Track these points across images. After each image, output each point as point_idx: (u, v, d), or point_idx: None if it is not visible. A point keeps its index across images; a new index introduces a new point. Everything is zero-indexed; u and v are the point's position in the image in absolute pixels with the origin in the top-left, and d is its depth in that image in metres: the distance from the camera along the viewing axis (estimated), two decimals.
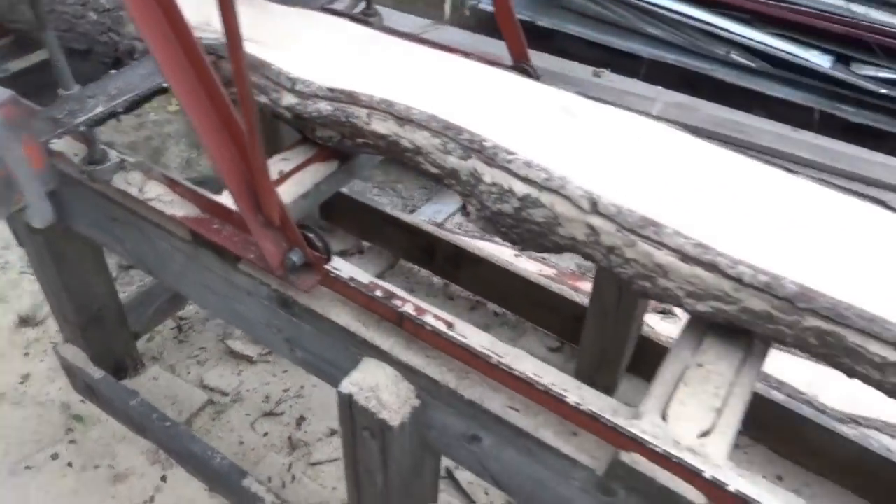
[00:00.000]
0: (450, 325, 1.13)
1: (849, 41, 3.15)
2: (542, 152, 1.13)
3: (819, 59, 3.18)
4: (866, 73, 3.12)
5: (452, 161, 1.19)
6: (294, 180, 1.40)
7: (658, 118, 1.30)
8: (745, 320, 0.99)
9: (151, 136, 3.42)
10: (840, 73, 3.15)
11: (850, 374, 0.96)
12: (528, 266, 2.48)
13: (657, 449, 0.94)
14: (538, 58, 3.53)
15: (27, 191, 1.29)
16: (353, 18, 1.61)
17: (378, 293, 1.18)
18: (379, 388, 1.17)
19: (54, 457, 1.97)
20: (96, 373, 1.94)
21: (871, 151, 2.84)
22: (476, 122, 1.19)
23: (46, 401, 2.12)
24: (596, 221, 1.05)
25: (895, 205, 2.83)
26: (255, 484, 1.70)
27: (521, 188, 1.11)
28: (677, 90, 3.41)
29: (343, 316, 1.22)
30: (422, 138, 1.22)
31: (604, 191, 1.05)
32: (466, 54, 1.61)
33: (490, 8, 3.87)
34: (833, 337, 0.92)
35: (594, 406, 1.01)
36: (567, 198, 1.07)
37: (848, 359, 0.93)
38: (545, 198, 1.09)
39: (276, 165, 1.41)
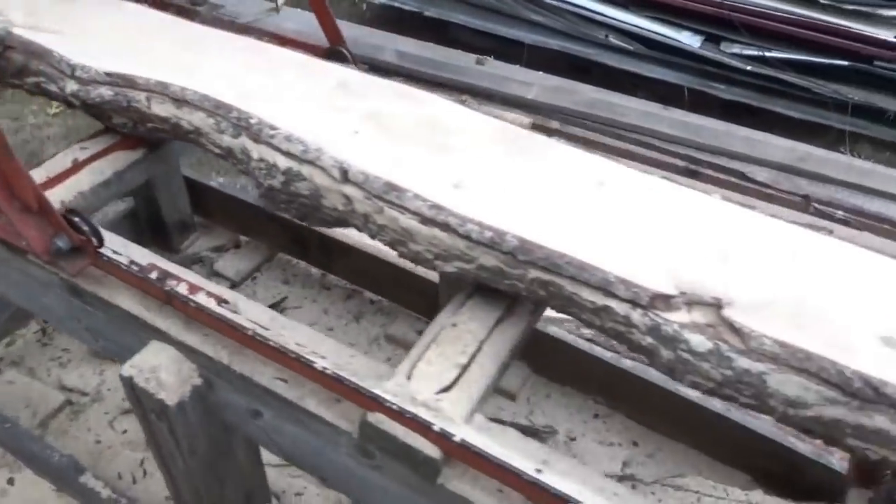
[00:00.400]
0: (222, 302, 1.14)
1: (717, 21, 3.26)
2: (308, 126, 1.14)
3: (689, 40, 3.29)
4: (734, 52, 3.24)
5: (227, 140, 1.20)
6: (91, 169, 1.38)
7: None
8: (485, 277, 1.03)
9: (29, 139, 3.33)
10: (709, 53, 3.26)
11: (584, 322, 1.00)
12: None
13: (394, 407, 0.96)
14: (423, 47, 3.58)
15: None
16: (159, 5, 1.60)
17: (153, 274, 1.17)
18: (159, 369, 1.17)
19: None
20: None
21: (735, 126, 2.95)
22: (249, 102, 1.20)
23: None
24: (348, 190, 1.07)
25: (755, 175, 2.94)
26: (91, 480, 1.67)
27: (283, 162, 1.12)
28: (563, 75, 3.48)
29: (127, 300, 1.22)
30: (198, 119, 1.22)
31: (355, 160, 1.07)
32: (282, 41, 1.62)
33: (405, 7, 3.88)
34: (554, 286, 0.96)
35: (346, 371, 1.03)
36: (322, 169, 1.09)
37: (574, 308, 0.97)
38: (305, 170, 1.11)
39: (72, 154, 1.40)
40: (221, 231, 2.71)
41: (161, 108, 1.25)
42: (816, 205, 2.71)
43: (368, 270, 2.41)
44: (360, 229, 1.14)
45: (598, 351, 2.08)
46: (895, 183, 2.69)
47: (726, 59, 3.22)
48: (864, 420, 0.81)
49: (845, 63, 3.08)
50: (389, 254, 2.36)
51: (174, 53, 1.35)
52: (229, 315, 1.11)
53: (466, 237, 0.98)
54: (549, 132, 3.30)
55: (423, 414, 0.95)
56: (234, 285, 2.54)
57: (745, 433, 1.95)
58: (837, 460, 1.90)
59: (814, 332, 0.84)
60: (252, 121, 1.16)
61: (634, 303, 0.90)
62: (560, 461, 1.01)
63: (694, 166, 2.83)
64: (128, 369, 1.17)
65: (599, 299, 0.92)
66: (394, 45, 3.38)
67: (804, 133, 3.25)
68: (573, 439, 2.10)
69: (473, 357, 1.04)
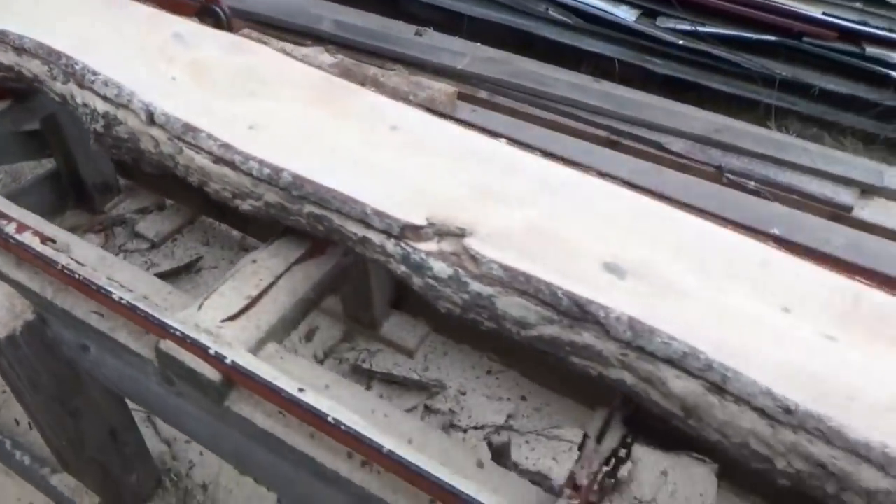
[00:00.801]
0: (47, 241, 1.20)
1: None
2: (128, 72, 1.19)
3: (625, 14, 3.31)
4: (668, 27, 3.26)
5: (59, 86, 1.25)
6: None
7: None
8: (275, 214, 1.09)
9: None
10: (644, 27, 3.29)
11: (366, 258, 1.06)
12: None
13: (177, 333, 1.02)
14: (365, 17, 3.60)
15: None
16: None
17: None
18: None
19: None
20: None
21: (658, 98, 2.99)
22: (81, 50, 1.25)
23: None
24: (154, 132, 1.12)
25: (671, 146, 2.98)
26: None
27: (102, 106, 1.18)
28: (508, 49, 3.51)
29: None
30: (36, 67, 1.28)
31: (162, 103, 1.12)
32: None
33: None
34: (326, 221, 1.02)
35: (144, 303, 1.08)
36: (133, 112, 1.14)
37: (347, 241, 1.03)
38: (120, 114, 1.16)
39: None
40: (147, 194, 2.77)
41: (4, 57, 1.30)
42: (729, 175, 2.75)
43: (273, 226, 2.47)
44: (177, 172, 1.19)
45: None
46: (808, 155, 2.73)
47: (660, 34, 3.25)
48: (575, 337, 0.87)
49: (773, 38, 3.11)
50: None
51: (28, 6, 1.39)
52: (49, 253, 1.16)
53: (248, 174, 1.04)
54: (477, 101, 3.31)
55: (204, 340, 1.01)
56: (153, 246, 2.61)
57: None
58: None
59: (544, 259, 0.90)
60: (77, 67, 1.21)
61: (388, 233, 0.96)
62: (345, 387, 1.08)
63: (615, 137, 2.87)
64: None
65: (360, 230, 0.98)
66: (333, 14, 3.41)
67: (736, 108, 3.29)
68: (463, 394, 2.17)
69: (266, 290, 1.10)
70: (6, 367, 1.30)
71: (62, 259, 1.16)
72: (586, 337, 0.86)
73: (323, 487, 1.03)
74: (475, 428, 2.10)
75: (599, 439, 0.97)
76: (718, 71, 3.24)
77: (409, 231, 0.95)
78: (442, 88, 3.03)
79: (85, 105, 1.20)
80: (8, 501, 1.86)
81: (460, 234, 0.94)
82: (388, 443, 0.88)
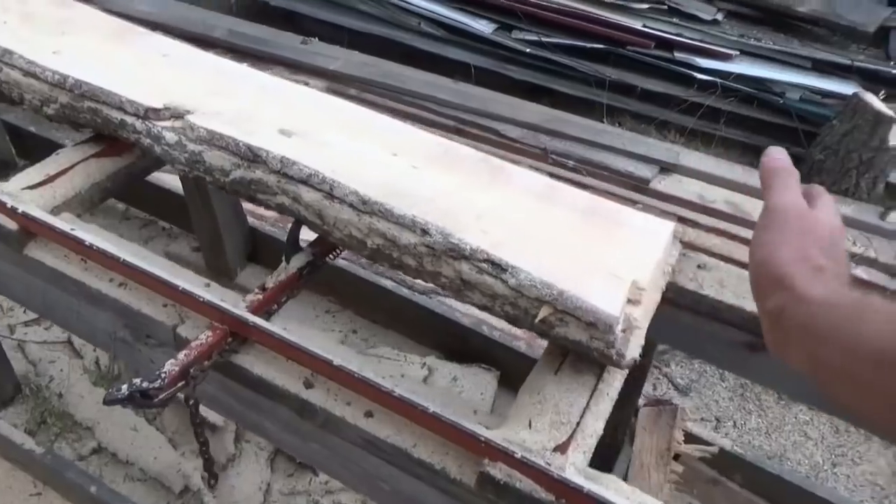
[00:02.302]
0: None
1: (507, 12, 3.81)
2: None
3: (483, 27, 3.82)
4: (519, 37, 3.78)
5: None
6: None
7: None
8: (70, 114, 1.46)
9: None
10: (498, 38, 3.80)
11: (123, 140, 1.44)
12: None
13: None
14: (257, 28, 4.04)
15: None
16: None
17: None
18: None
19: None
20: None
21: (500, 94, 3.47)
22: None
23: None
24: None
25: (507, 133, 3.45)
26: None
27: None
28: (394, 60, 3.99)
29: None
30: None
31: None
32: None
33: None
34: (100, 114, 1.40)
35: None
36: None
37: (107, 128, 1.41)
38: None
39: None
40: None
41: None
42: (554, 156, 3.22)
43: (154, 199, 2.84)
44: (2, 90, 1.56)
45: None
46: (619, 139, 3.22)
47: (511, 43, 3.76)
48: (251, 175, 1.27)
49: (602, 47, 3.64)
50: (174, 186, 2.83)
51: None
52: None
53: (46, 81, 1.43)
54: (346, 97, 3.77)
55: (5, 199, 1.38)
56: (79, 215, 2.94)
57: (429, 315, 2.43)
58: (488, 328, 2.38)
59: (237, 127, 1.30)
60: None
61: (136, 115, 1.35)
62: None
63: (461, 126, 3.34)
64: None
65: (119, 115, 1.37)
66: (227, 24, 3.84)
67: (579, 108, 3.80)
68: (302, 324, 2.54)
69: (63, 172, 1.47)
70: None
71: None
72: (258, 173, 1.26)
73: (97, 312, 1.39)
74: None
75: (287, 261, 1.36)
76: (560, 75, 3.76)
77: (151, 112, 1.35)
78: (313, 85, 3.48)
79: None
80: None
81: (186, 113, 1.34)
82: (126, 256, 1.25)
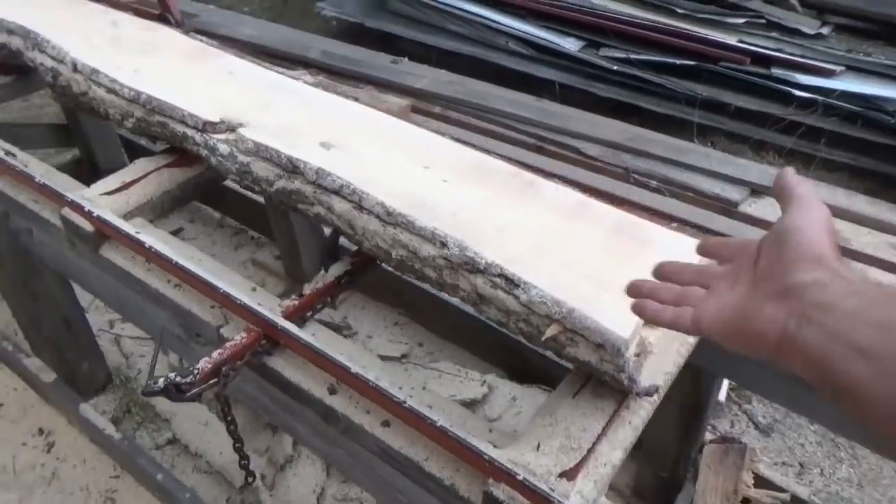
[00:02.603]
0: (10, 154, 1.75)
1: (594, 29, 3.75)
2: (69, 41, 1.75)
3: (570, 45, 3.78)
4: (606, 55, 3.70)
5: (29, 53, 1.83)
6: None
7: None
8: (143, 127, 1.59)
9: None
10: (584, 55, 3.74)
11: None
12: None
13: (69, 200, 1.53)
14: (351, 49, 4.20)
15: None
16: None
17: None
18: None
19: None
20: None
21: (580, 111, 3.42)
22: (47, 29, 1.82)
23: None
24: (76, 77, 1.67)
25: (587, 151, 3.42)
26: None
27: (50, 63, 1.74)
28: (485, 80, 4.05)
29: None
30: (17, 41, 1.86)
31: (82, 58, 1.67)
32: (121, 5, 2.26)
33: (351, 19, 4.58)
34: (167, 127, 1.52)
35: (52, 183, 1.60)
36: (65, 64, 1.69)
37: (176, 139, 1.52)
38: (60, 67, 1.72)
39: None
40: None
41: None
42: (635, 175, 3.13)
43: (243, 208, 3.02)
44: (93, 106, 1.72)
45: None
46: (707, 160, 3.07)
47: (598, 61, 3.70)
48: (291, 185, 1.33)
49: (694, 63, 3.50)
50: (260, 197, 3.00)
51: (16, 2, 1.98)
52: (11, 161, 1.71)
53: (124, 97, 1.56)
54: (430, 114, 3.84)
55: (85, 204, 1.52)
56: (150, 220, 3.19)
57: (492, 332, 2.42)
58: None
59: (281, 139, 1.37)
60: (39, 38, 1.78)
61: (197, 128, 1.45)
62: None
63: (540, 143, 3.31)
64: None
65: (182, 128, 1.48)
66: (322, 46, 4.03)
67: (671, 127, 3.67)
68: (370, 337, 2.60)
69: (138, 180, 1.60)
70: None
71: (18, 164, 1.70)
72: (297, 184, 1.32)
73: (158, 310, 1.50)
74: None
75: (327, 270, 1.41)
76: (649, 93, 3.64)
77: (208, 125, 1.44)
78: (397, 102, 3.57)
79: (42, 64, 1.77)
80: (1, 391, 2.40)
81: (238, 126, 1.43)
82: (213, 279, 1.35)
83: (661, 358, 1.08)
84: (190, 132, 1.47)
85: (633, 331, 0.96)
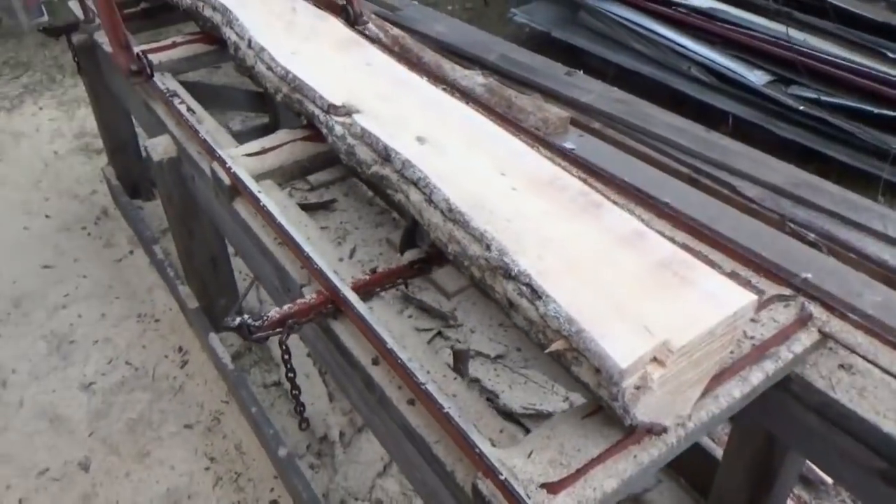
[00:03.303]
0: (189, 110, 2.07)
1: (784, 63, 3.48)
2: (252, 20, 2.04)
3: (756, 78, 3.53)
4: (796, 93, 3.41)
5: (221, 28, 2.14)
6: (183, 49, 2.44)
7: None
8: (287, 101, 1.81)
9: None
10: (770, 90, 3.47)
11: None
12: None
13: (218, 155, 1.79)
14: (529, 56, 4.30)
15: None
16: None
17: (174, 100, 2.15)
18: (158, 144, 2.14)
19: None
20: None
21: (746, 147, 3.21)
22: (236, 7, 2.12)
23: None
24: (249, 52, 1.94)
25: (745, 191, 3.27)
26: None
27: (234, 38, 2.03)
28: (661, 105, 3.95)
29: (161, 109, 2.21)
30: (211, 13, 2.19)
31: (259, 38, 1.94)
32: None
33: (540, 27, 4.70)
34: (302, 102, 1.72)
35: (213, 144, 1.88)
36: (244, 40, 1.97)
37: (305, 114, 1.71)
38: (240, 43, 2.00)
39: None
40: None
41: (206, 10, 2.25)
42: (792, 224, 2.89)
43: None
44: (259, 80, 1.98)
45: None
46: (881, 221, 2.76)
47: (784, 98, 3.43)
48: (383, 171, 1.46)
49: (894, 114, 3.12)
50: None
51: None
52: (190, 119, 2.02)
53: (277, 75, 1.79)
54: (588, 129, 3.84)
55: (228, 161, 1.77)
56: (311, 188, 3.55)
57: None
58: None
59: (385, 128, 1.50)
60: (231, 16, 2.08)
61: (322, 108, 1.63)
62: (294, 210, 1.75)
63: (695, 175, 3.17)
64: (148, 142, 2.17)
65: (312, 107, 1.67)
66: (502, 49, 4.16)
67: (854, 181, 3.31)
68: (473, 332, 2.68)
69: (274, 148, 1.82)
70: (159, 185, 2.21)
71: (192, 119, 2.02)
72: (387, 170, 1.44)
73: (264, 262, 1.71)
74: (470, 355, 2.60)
75: (402, 252, 1.52)
76: (836, 139, 3.31)
77: (331, 108, 1.62)
78: (557, 112, 3.59)
79: (229, 38, 2.07)
80: (160, 308, 2.83)
81: (355, 112, 1.58)
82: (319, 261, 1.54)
83: (675, 400, 1.05)
84: (317, 111, 1.66)
85: (632, 363, 0.95)
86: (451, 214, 1.26)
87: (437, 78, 2.06)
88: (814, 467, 2.07)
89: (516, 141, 1.48)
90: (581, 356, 1.01)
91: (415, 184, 1.35)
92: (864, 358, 1.36)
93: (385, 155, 1.44)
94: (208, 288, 2.48)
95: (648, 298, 1.05)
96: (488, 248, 1.17)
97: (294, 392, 1.51)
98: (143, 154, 3.24)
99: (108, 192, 3.39)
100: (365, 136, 1.50)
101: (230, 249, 2.54)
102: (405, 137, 1.47)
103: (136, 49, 2.19)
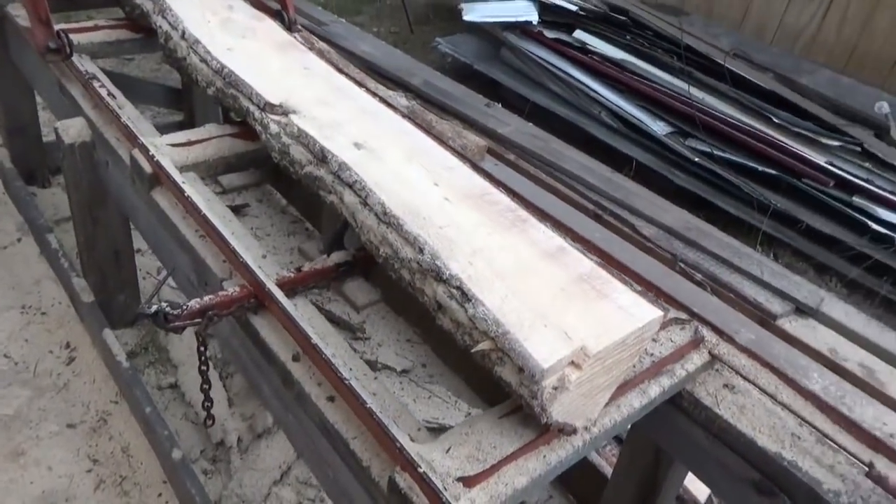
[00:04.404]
0: (110, 95, 2.00)
1: (685, 118, 3.79)
2: (187, 15, 2.00)
3: (658, 128, 3.83)
4: (691, 145, 3.73)
5: (153, 17, 2.09)
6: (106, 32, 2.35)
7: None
8: (220, 97, 1.79)
9: None
10: (670, 140, 3.77)
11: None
12: None
13: (140, 143, 1.74)
14: (451, 84, 4.42)
15: None
16: None
17: (89, 79, 2.06)
18: (70, 126, 2.04)
19: None
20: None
21: (645, 189, 3.45)
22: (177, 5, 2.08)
23: None
24: (182, 43, 1.90)
25: (642, 230, 3.43)
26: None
27: (166, 27, 1.99)
28: (573, 144, 4.17)
29: (77, 90, 2.11)
30: (145, 2, 2.14)
31: (193, 30, 1.91)
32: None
33: (463, 59, 4.86)
34: (237, 98, 1.71)
35: (133, 127, 1.82)
36: (177, 31, 1.93)
37: (240, 110, 1.71)
38: (172, 33, 1.96)
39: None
40: None
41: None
42: (682, 264, 3.13)
43: (307, 202, 3.22)
44: (191, 74, 1.95)
45: None
46: (759, 267, 3.03)
47: (681, 149, 3.73)
48: (317, 172, 1.47)
49: (774, 172, 3.47)
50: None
51: None
52: (110, 104, 1.95)
53: (211, 69, 1.78)
54: (503, 159, 3.94)
55: (151, 149, 1.72)
56: (223, 192, 3.47)
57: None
58: None
59: (322, 131, 1.52)
60: (164, 5, 2.04)
61: (258, 106, 1.63)
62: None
63: (599, 211, 3.37)
64: (59, 124, 2.06)
65: (247, 104, 1.67)
66: (425, 75, 4.26)
67: (737, 230, 3.63)
68: (380, 346, 2.70)
69: (200, 141, 1.79)
70: (66, 169, 2.10)
71: (113, 104, 1.95)
72: (322, 171, 1.46)
73: (181, 254, 1.67)
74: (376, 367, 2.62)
75: (328, 254, 1.53)
76: (724, 191, 3.63)
77: (268, 106, 1.62)
78: (475, 140, 3.72)
79: (160, 27, 2.03)
80: (48, 300, 2.66)
81: (292, 112, 1.60)
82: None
83: (587, 403, 1.13)
84: (252, 108, 1.65)
85: (553, 364, 1.02)
86: (386, 217, 1.29)
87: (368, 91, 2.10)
88: (688, 488, 2.24)
89: (449, 155, 1.54)
90: (506, 356, 1.07)
91: (350, 186, 1.38)
92: (745, 378, 1.51)
93: (321, 157, 1.46)
94: (108, 282, 2.36)
95: (569, 307, 1.13)
96: (421, 251, 1.22)
97: (205, 386, 1.48)
98: (46, 137, 3.07)
99: None
100: (301, 137, 1.51)
101: (136, 244, 2.44)
102: (342, 141, 1.50)
103: (57, 27, 2.10)
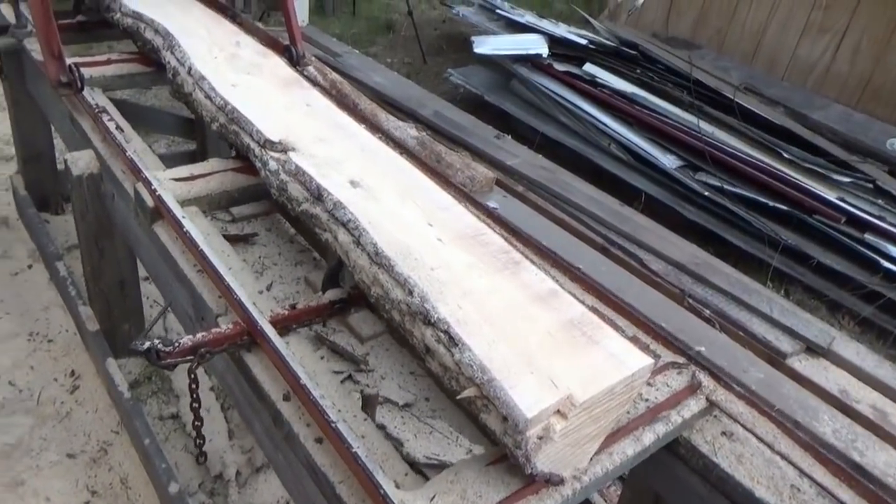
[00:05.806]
0: (118, 129, 2.03)
1: (695, 152, 3.78)
2: (195, 51, 2.04)
3: (668, 162, 3.82)
4: (701, 179, 3.71)
5: (162, 52, 2.14)
6: (117, 66, 2.40)
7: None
8: (224, 132, 1.82)
9: None
10: (679, 174, 3.76)
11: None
12: None
13: (143, 176, 1.76)
14: (461, 115, 4.45)
15: None
16: None
17: (98, 113, 2.10)
18: (80, 158, 2.08)
19: None
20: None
21: (655, 224, 3.43)
22: (179, 33, 2.13)
23: None
24: (188, 79, 1.94)
25: (650, 264, 3.42)
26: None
27: (174, 62, 2.03)
28: (582, 176, 4.17)
29: (87, 123, 2.16)
30: (152, 36, 2.18)
31: (200, 67, 1.94)
32: (261, 35, 2.57)
33: (474, 90, 4.91)
34: (238, 136, 1.73)
35: (140, 163, 1.85)
36: (184, 66, 1.97)
37: (243, 148, 1.73)
38: (179, 69, 2.00)
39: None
40: None
41: (147, 33, 2.24)
42: (690, 300, 3.09)
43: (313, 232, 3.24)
44: (196, 108, 1.98)
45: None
46: (768, 305, 2.99)
47: (691, 183, 3.71)
48: (314, 210, 1.48)
49: (785, 208, 3.43)
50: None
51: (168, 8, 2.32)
52: (118, 138, 1.99)
53: (215, 104, 1.80)
54: (511, 191, 3.96)
55: (153, 183, 1.74)
56: (232, 220, 3.50)
57: None
58: None
59: (320, 170, 1.53)
60: (172, 41, 2.08)
61: (259, 143, 1.65)
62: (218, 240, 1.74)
63: (607, 245, 3.35)
64: (69, 155, 2.10)
65: (248, 140, 1.69)
66: (436, 106, 4.30)
67: (748, 265, 3.59)
68: (383, 378, 2.69)
69: (203, 176, 1.82)
70: (74, 200, 2.13)
71: (122, 141, 1.98)
72: (318, 209, 1.47)
73: (180, 288, 1.68)
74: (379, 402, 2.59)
75: (324, 291, 1.53)
76: (734, 226, 3.60)
77: (268, 143, 1.64)
78: (484, 172, 3.73)
79: (169, 62, 2.07)
80: (56, 328, 2.68)
81: (291, 150, 1.61)
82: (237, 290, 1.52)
83: (574, 453, 1.11)
84: (253, 145, 1.67)
85: (537, 413, 1.00)
86: (378, 258, 1.29)
87: (372, 126, 2.12)
88: None
89: (445, 195, 1.54)
90: (490, 404, 1.05)
91: (344, 225, 1.39)
92: (743, 426, 1.47)
93: (317, 194, 1.47)
94: (113, 311, 2.38)
95: (557, 354, 1.12)
96: (411, 293, 1.21)
97: (196, 423, 1.48)
98: (61, 166, 3.12)
99: (11, 201, 3.21)
100: (298, 174, 1.53)
101: (142, 274, 2.46)
102: (339, 179, 1.51)
103: (69, 61, 2.15)
